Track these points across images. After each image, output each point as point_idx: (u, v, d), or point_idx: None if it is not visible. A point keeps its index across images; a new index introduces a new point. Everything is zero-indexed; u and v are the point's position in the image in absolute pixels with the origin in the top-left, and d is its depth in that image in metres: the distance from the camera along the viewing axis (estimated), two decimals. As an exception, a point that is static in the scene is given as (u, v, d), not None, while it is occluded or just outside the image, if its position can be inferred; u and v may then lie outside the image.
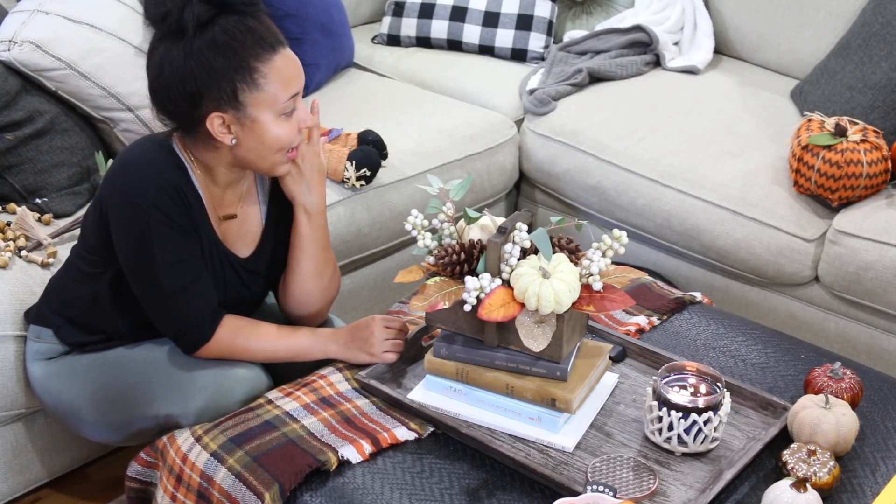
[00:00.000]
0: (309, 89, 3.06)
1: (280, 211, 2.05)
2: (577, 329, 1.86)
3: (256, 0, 1.84)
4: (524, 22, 3.33)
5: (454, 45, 3.39)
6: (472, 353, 1.86)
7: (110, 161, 2.49)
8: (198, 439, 1.84)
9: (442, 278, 1.84)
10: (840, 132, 2.58)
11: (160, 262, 1.88)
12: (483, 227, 1.89)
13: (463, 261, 1.83)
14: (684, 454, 1.81)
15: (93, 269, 2.01)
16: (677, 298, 2.27)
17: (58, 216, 2.44)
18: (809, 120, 2.70)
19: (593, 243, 1.83)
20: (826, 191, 2.60)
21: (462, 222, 1.91)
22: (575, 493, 1.67)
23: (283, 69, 1.84)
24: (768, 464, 1.81)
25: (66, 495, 2.39)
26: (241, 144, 1.87)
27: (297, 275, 2.06)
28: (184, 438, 1.86)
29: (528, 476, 1.77)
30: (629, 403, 1.93)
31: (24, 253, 2.24)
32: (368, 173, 2.60)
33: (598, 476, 1.74)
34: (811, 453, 1.74)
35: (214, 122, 1.84)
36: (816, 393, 1.89)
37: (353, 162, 2.58)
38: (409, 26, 3.41)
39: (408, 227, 1.90)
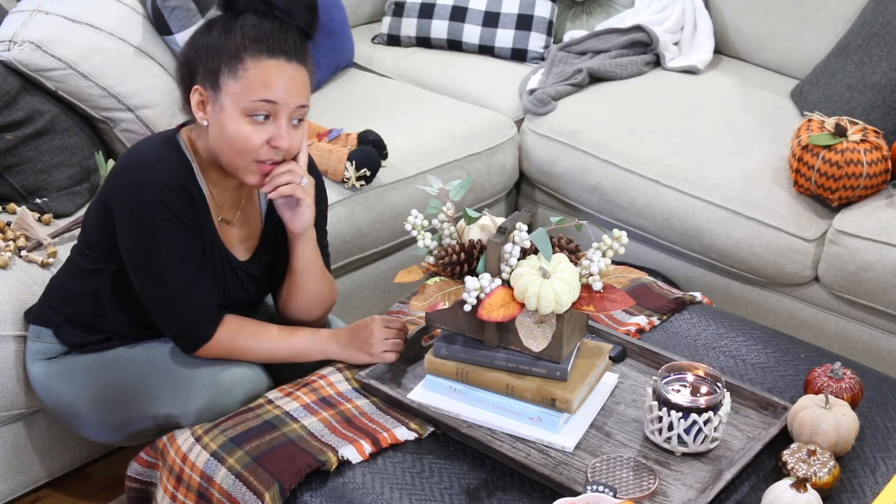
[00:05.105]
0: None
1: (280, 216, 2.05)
2: (577, 329, 1.86)
3: (293, 11, 1.85)
4: (524, 22, 3.32)
5: (454, 45, 3.39)
6: (472, 353, 1.86)
7: (110, 161, 2.49)
8: (198, 439, 1.84)
9: (442, 278, 1.84)
10: (840, 132, 2.58)
11: (164, 259, 1.88)
12: (483, 227, 1.88)
13: (463, 261, 1.83)
14: (684, 454, 1.81)
15: (93, 266, 2.01)
16: (677, 298, 2.27)
17: (58, 216, 2.44)
18: (809, 120, 2.70)
19: (593, 243, 1.83)
20: (826, 191, 2.60)
21: (462, 222, 1.91)
22: (575, 493, 1.67)
23: (266, 74, 1.83)
24: (768, 464, 1.80)
25: (66, 495, 2.39)
26: (210, 130, 1.88)
27: (299, 294, 2.05)
28: (184, 438, 1.86)
29: (528, 476, 1.76)
30: (629, 403, 1.93)
31: (24, 253, 2.24)
32: (368, 173, 2.60)
33: (598, 476, 1.74)
34: (811, 453, 1.74)
35: (195, 96, 1.88)
36: (816, 393, 1.89)
37: (353, 162, 2.58)
38: (409, 26, 3.41)
39: (408, 227, 1.90)
